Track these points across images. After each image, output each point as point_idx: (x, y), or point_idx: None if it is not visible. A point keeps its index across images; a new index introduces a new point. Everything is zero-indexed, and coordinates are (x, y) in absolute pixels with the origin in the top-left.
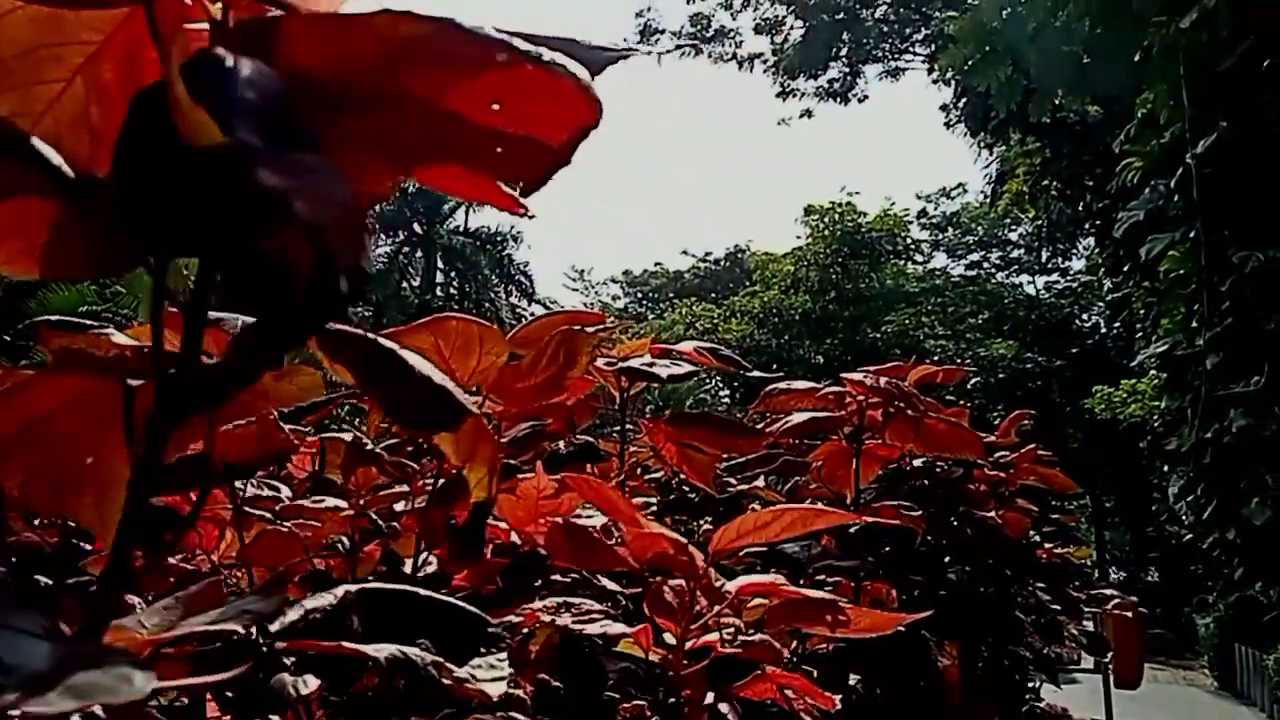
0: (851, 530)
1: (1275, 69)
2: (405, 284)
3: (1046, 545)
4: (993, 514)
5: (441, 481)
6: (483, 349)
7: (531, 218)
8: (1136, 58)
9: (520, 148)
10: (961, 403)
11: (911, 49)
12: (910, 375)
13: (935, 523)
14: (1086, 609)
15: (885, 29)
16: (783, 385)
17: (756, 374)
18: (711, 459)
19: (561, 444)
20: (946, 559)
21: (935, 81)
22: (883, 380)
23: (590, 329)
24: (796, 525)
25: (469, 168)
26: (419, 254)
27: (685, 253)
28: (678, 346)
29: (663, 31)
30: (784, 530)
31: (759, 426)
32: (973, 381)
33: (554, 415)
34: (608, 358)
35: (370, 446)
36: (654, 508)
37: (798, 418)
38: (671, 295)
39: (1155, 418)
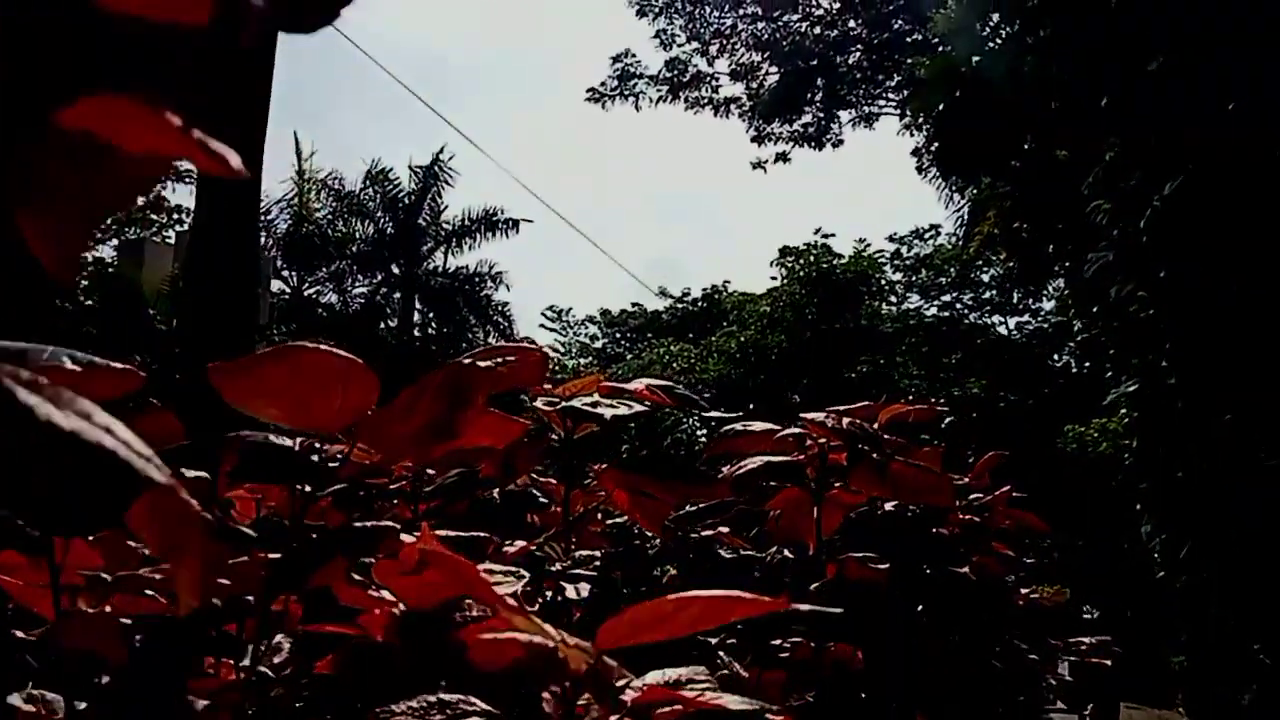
0: (813, 589)
1: (1237, 117)
2: (383, 324)
3: (1023, 590)
4: (966, 569)
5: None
6: (349, 386)
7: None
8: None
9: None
10: (936, 442)
11: (885, 95)
12: (880, 415)
13: (906, 575)
14: (1063, 656)
15: (859, 75)
16: (739, 426)
17: (715, 414)
18: (664, 506)
19: (496, 492)
20: (919, 610)
21: (907, 127)
22: (846, 421)
23: (485, 363)
24: (708, 617)
25: None
26: (397, 295)
27: (663, 292)
28: (628, 385)
29: (640, 76)
30: (693, 623)
31: (719, 472)
32: (947, 420)
33: (487, 459)
34: (549, 397)
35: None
36: (596, 563)
37: (752, 463)
38: (649, 335)
39: (1127, 456)
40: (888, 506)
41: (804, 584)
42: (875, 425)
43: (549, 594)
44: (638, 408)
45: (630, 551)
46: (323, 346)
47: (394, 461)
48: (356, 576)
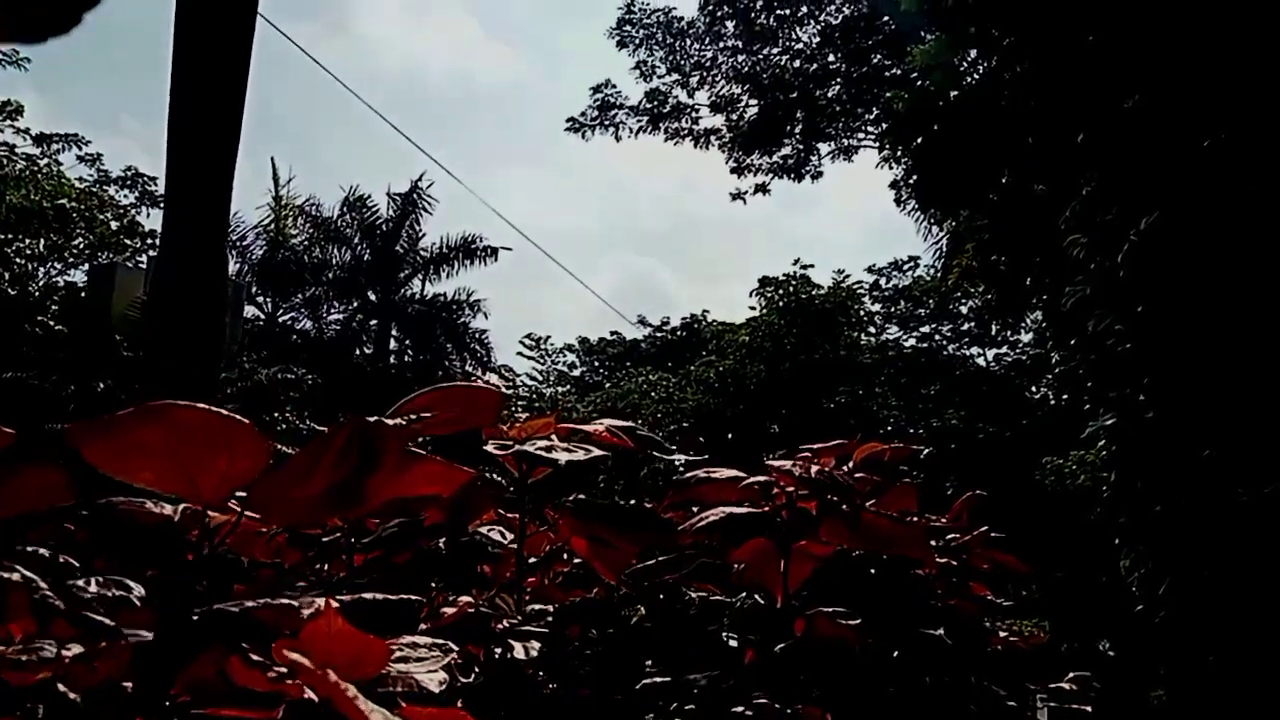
0: (780, 649)
1: (1212, 151)
2: (359, 351)
3: (1001, 633)
4: (940, 630)
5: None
6: (234, 450)
7: None
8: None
9: None
10: (914, 473)
11: (864, 128)
12: (856, 453)
13: (879, 629)
14: (1042, 702)
15: (838, 109)
16: (702, 474)
17: (679, 457)
18: (625, 554)
19: (444, 542)
20: (893, 663)
21: (886, 160)
22: (814, 470)
23: (399, 421)
24: None
25: None
26: (373, 322)
27: (642, 321)
28: (588, 426)
29: (620, 106)
30: None
31: (682, 525)
32: (925, 452)
33: (432, 508)
34: (501, 440)
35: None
36: (549, 617)
37: (713, 515)
38: (628, 364)
39: (1105, 489)
40: (861, 550)
41: (771, 641)
42: (850, 464)
43: (498, 652)
44: (596, 452)
45: (587, 605)
46: (200, 406)
47: (302, 528)
48: (255, 657)
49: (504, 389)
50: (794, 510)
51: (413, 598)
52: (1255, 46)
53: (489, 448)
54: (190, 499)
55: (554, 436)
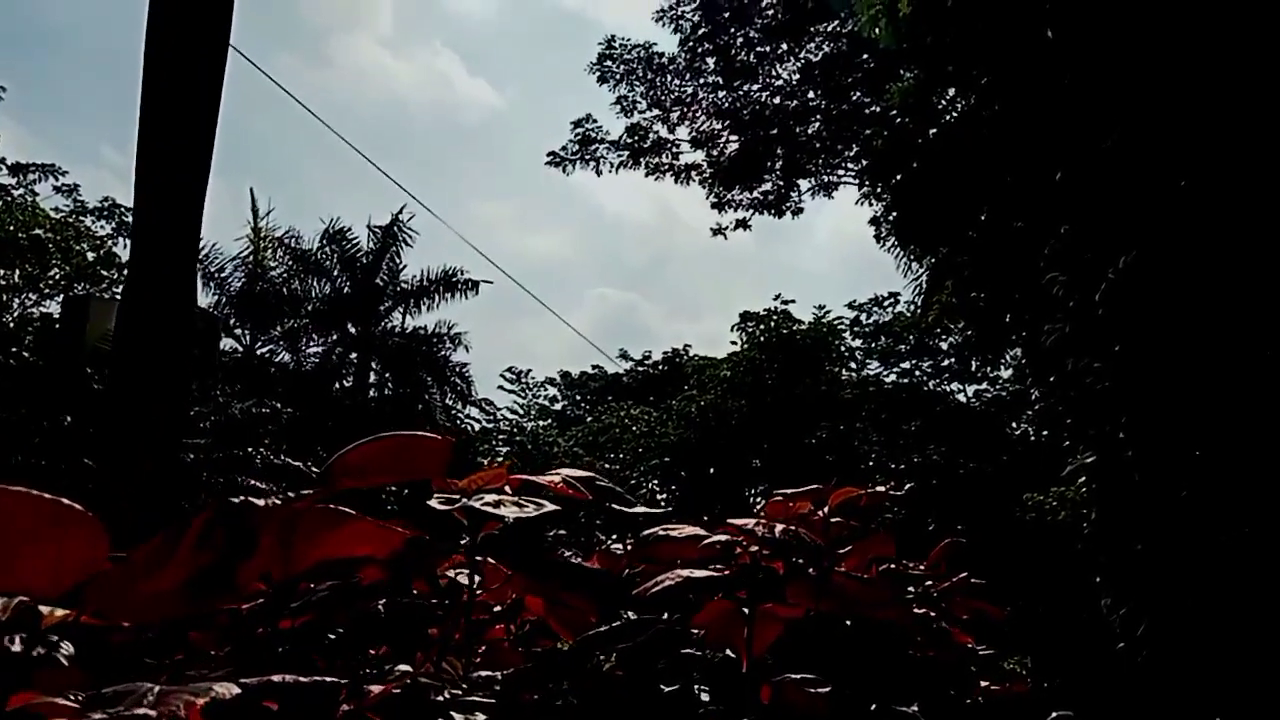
0: None
1: (1188, 192)
2: (338, 385)
3: (982, 682)
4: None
5: None
6: (64, 537)
7: None
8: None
9: None
10: (895, 510)
11: (844, 165)
12: (832, 498)
13: (851, 700)
14: None
15: (818, 145)
16: (661, 531)
17: (640, 510)
18: (583, 610)
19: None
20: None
21: (866, 196)
22: (778, 529)
23: (263, 501)
24: None
25: None
26: (353, 355)
27: (624, 355)
28: (543, 477)
29: (601, 141)
30: None
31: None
32: (907, 487)
33: (369, 567)
34: (448, 494)
35: None
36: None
37: (671, 579)
38: (610, 398)
39: (1085, 525)
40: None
41: (736, 712)
42: (826, 509)
43: None
44: (548, 507)
45: (541, 665)
46: (21, 490)
47: (165, 621)
48: None
49: (484, 423)
50: (758, 572)
51: (329, 680)
52: (1228, 89)
53: (433, 502)
54: (19, 593)
55: (507, 488)
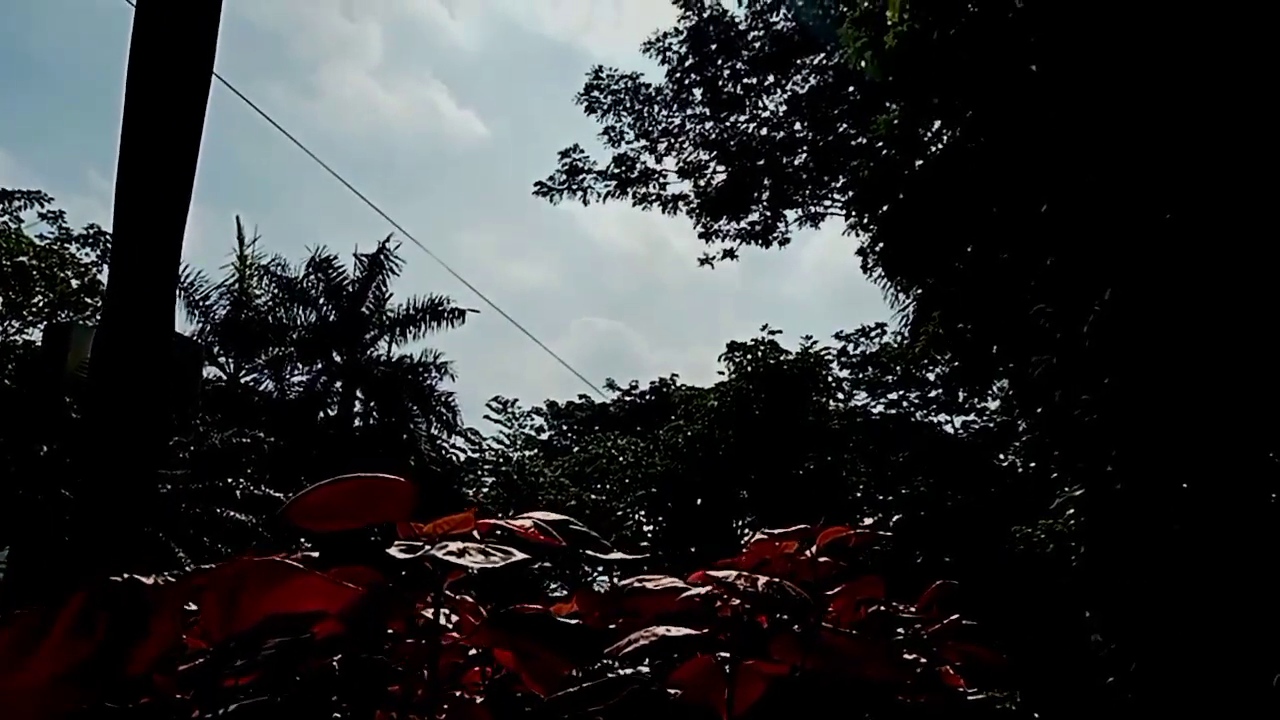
0: None
1: (1174, 226)
2: (322, 413)
3: None
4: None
5: None
6: None
7: None
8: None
9: None
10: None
11: (830, 195)
12: (820, 537)
13: None
14: None
15: (805, 176)
16: (637, 584)
17: (617, 557)
18: (556, 663)
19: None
20: None
21: (853, 227)
22: (761, 582)
23: (154, 580)
24: None
25: None
26: (338, 383)
27: (611, 385)
28: (514, 522)
29: (588, 171)
30: None
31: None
32: (895, 519)
33: (321, 625)
34: (410, 541)
35: None
36: None
37: (645, 638)
38: (597, 428)
39: (1073, 558)
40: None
41: None
42: (813, 549)
43: None
44: (516, 556)
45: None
46: None
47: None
48: None
49: (470, 453)
50: (741, 626)
51: None
52: (1209, 122)
53: (394, 550)
54: None
55: (475, 533)
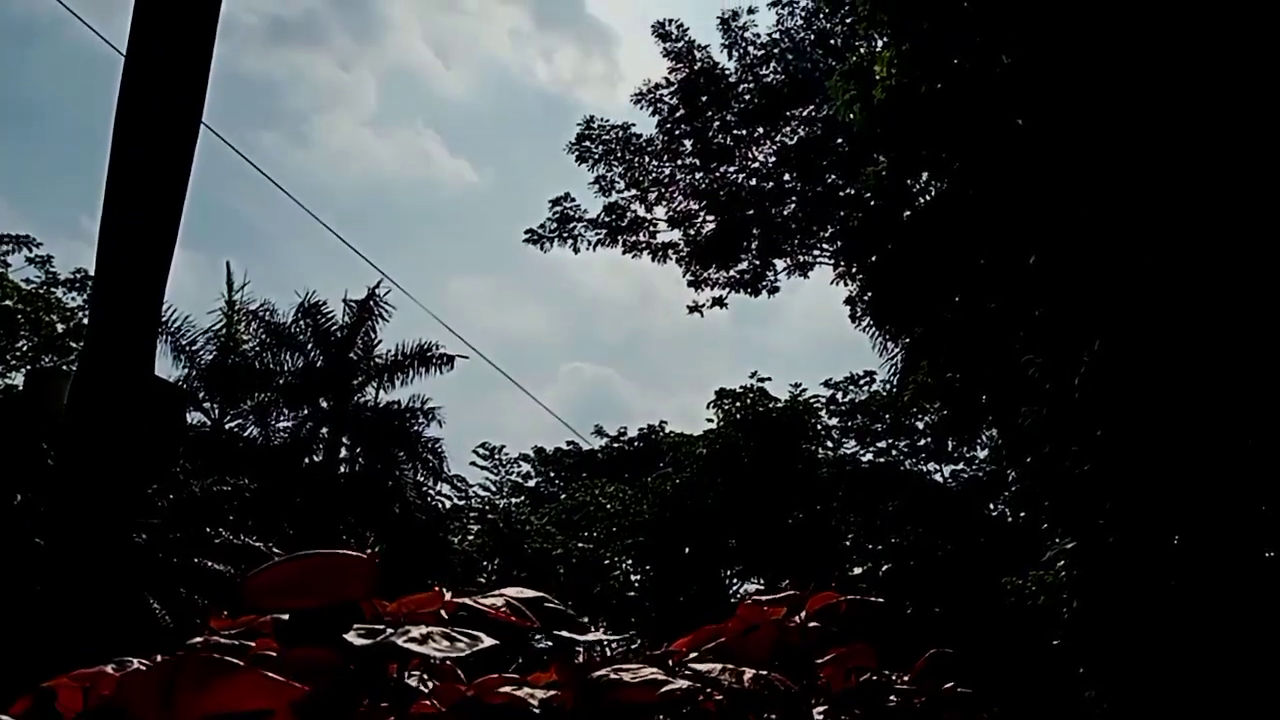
0: None
1: (1163, 276)
2: (308, 459)
3: None
4: None
5: None
6: None
7: None
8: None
9: None
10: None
11: (819, 245)
12: (810, 604)
13: None
14: None
15: (794, 226)
16: (613, 675)
17: (595, 637)
18: None
19: None
20: None
21: (841, 276)
22: (748, 676)
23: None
24: None
25: None
26: (324, 429)
27: (599, 432)
28: (485, 600)
29: (579, 219)
30: None
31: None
32: (885, 569)
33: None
34: (370, 624)
35: None
36: None
37: None
38: (584, 474)
39: (1065, 611)
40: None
41: None
42: (803, 614)
43: None
44: (484, 643)
45: None
46: None
47: None
48: None
49: (456, 499)
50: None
51: None
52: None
53: (351, 637)
54: None
55: (442, 612)
